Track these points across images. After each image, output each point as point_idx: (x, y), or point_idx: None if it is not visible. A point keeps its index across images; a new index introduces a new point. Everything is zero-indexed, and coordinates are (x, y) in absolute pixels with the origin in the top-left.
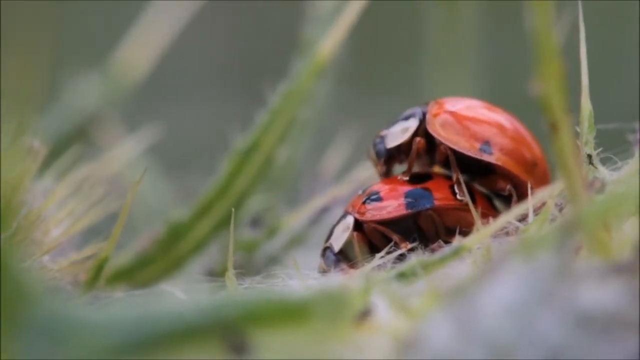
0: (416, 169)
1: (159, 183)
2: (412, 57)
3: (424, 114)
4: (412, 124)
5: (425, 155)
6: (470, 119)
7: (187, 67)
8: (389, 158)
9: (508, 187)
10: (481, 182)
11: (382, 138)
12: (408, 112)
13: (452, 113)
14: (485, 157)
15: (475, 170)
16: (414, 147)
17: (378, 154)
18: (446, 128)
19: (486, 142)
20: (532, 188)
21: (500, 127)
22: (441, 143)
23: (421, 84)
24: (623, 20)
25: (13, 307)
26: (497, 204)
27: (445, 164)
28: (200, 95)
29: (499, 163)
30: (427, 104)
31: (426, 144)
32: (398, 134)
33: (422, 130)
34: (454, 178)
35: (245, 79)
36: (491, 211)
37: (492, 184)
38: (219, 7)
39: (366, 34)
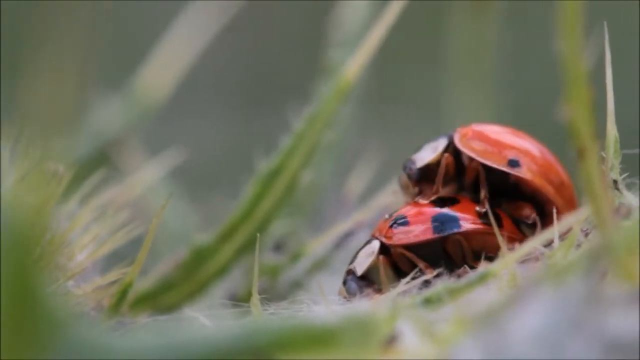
0: (443, 192)
1: (183, 206)
2: (435, 79)
3: (452, 136)
4: (441, 144)
5: (452, 179)
6: (497, 138)
7: (211, 89)
8: (420, 179)
9: (533, 215)
10: (507, 207)
11: (413, 160)
12: (436, 137)
13: (480, 132)
14: (515, 171)
15: (502, 192)
16: (442, 162)
17: (410, 176)
18: (476, 144)
19: (515, 158)
20: (559, 211)
21: (527, 147)
22: (471, 160)
23: (445, 106)
24: None
25: (39, 333)
26: (524, 228)
27: (473, 187)
28: (224, 118)
29: (528, 177)
30: (454, 130)
31: (454, 166)
32: (427, 153)
33: (451, 150)
34: (482, 195)
35: (269, 100)
36: (518, 234)
37: (518, 210)
38: (242, 28)
39: (389, 55)
